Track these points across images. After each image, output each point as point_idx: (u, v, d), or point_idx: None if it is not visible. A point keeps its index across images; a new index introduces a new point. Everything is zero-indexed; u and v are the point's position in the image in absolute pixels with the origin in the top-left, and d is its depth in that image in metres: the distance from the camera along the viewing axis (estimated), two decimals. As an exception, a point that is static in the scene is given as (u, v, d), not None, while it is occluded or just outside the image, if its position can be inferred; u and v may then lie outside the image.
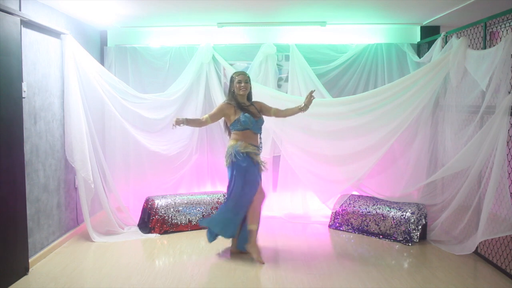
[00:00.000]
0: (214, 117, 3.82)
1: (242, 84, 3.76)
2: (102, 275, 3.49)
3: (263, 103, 3.97)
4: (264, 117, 3.93)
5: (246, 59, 5.21)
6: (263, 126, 3.91)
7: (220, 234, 3.86)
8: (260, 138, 3.87)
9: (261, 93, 4.57)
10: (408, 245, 4.18)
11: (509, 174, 3.38)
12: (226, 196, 3.99)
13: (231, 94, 3.83)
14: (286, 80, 5.17)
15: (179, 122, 3.63)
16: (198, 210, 4.71)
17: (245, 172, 3.70)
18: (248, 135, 3.76)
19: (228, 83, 5.18)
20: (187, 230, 4.63)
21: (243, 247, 3.84)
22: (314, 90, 3.89)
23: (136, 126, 4.93)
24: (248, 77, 3.85)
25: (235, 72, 3.90)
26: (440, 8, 4.29)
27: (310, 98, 3.80)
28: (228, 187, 3.80)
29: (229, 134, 3.89)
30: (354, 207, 4.66)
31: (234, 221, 3.78)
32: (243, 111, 3.74)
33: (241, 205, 3.75)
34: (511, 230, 3.28)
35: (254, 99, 3.97)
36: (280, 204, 5.13)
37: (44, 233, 3.89)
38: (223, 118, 3.89)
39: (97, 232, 4.38)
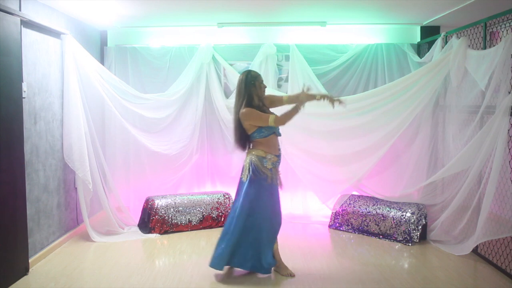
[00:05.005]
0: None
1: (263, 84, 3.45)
2: (102, 275, 3.49)
3: (271, 96, 3.60)
4: None
5: (246, 59, 5.21)
6: None
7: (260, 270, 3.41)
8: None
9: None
10: (408, 245, 4.18)
11: (510, 174, 3.38)
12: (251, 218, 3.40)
13: (249, 99, 3.34)
14: (286, 80, 5.16)
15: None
16: (198, 210, 4.71)
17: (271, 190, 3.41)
18: (273, 141, 3.39)
19: (228, 84, 5.23)
20: (187, 230, 4.63)
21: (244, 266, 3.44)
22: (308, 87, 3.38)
23: (137, 126, 4.93)
24: None
25: (255, 74, 3.42)
26: (440, 8, 4.29)
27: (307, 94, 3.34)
28: (256, 207, 3.37)
29: (243, 146, 3.46)
30: (354, 207, 4.65)
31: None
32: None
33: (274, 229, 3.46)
34: None
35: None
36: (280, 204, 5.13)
37: (44, 233, 3.89)
38: (229, 132, 3.50)
39: (97, 232, 4.38)
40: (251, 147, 3.47)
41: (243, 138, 3.44)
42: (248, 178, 3.35)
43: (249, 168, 3.35)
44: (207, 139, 5.27)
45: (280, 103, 3.55)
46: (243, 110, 3.32)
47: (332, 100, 3.31)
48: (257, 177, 3.32)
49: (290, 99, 3.50)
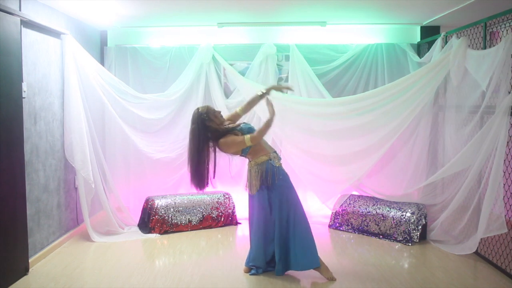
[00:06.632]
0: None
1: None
2: (102, 275, 3.49)
3: (228, 115, 3.62)
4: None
5: (246, 59, 5.20)
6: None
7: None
8: None
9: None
10: (408, 245, 4.18)
11: (510, 174, 3.38)
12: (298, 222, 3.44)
13: (210, 132, 3.37)
14: (286, 80, 5.16)
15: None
16: (198, 210, 4.71)
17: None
18: (263, 141, 3.46)
19: (228, 84, 5.23)
20: (187, 230, 4.63)
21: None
22: (289, 89, 3.67)
23: (136, 126, 4.94)
24: None
25: (203, 109, 3.38)
26: (440, 8, 4.29)
27: (279, 88, 3.64)
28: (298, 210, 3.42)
29: (203, 183, 3.54)
30: (354, 207, 4.65)
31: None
32: (236, 127, 3.43)
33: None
34: (503, 228, 3.28)
35: (246, 98, 3.83)
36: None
37: (44, 233, 3.89)
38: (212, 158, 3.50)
39: (97, 232, 4.38)
40: (250, 160, 3.46)
41: (204, 175, 3.47)
42: (267, 187, 3.37)
43: (264, 179, 3.35)
44: (207, 139, 5.26)
45: (239, 117, 3.61)
46: (221, 140, 3.36)
47: (278, 88, 3.63)
48: (274, 182, 3.35)
49: (244, 108, 3.58)
